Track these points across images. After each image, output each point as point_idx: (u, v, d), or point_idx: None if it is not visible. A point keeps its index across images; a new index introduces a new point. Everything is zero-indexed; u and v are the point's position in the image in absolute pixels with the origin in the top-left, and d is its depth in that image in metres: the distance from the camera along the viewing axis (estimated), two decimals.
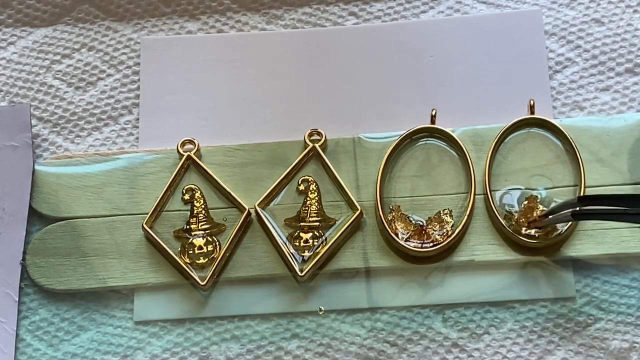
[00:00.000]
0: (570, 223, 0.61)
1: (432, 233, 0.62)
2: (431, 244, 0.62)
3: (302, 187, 0.64)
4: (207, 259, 0.63)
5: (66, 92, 0.69)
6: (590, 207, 0.57)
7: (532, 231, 0.61)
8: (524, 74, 0.67)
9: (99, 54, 0.70)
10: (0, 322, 0.62)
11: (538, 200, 0.62)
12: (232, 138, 0.66)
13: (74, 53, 0.70)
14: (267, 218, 0.64)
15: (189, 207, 0.64)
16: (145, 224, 0.63)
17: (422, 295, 0.62)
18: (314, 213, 0.63)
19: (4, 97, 0.69)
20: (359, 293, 0.62)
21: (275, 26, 0.70)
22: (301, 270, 0.62)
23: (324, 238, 0.63)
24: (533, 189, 0.63)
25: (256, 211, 0.64)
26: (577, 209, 0.58)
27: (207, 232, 0.63)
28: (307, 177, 0.64)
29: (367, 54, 0.69)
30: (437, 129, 0.65)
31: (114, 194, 0.65)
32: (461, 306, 0.62)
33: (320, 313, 0.62)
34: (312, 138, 0.65)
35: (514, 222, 0.62)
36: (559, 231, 0.61)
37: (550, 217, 0.60)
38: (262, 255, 0.63)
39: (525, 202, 0.62)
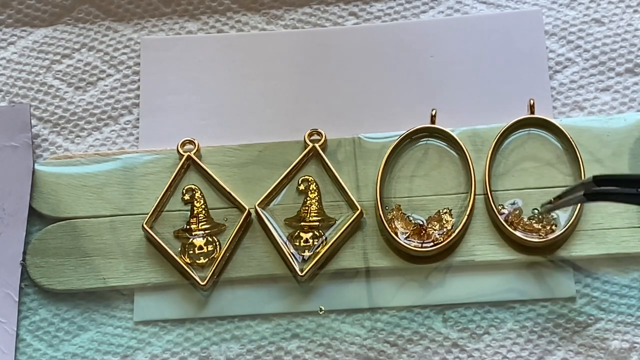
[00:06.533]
0: (570, 222, 0.61)
1: (432, 232, 0.62)
2: (431, 244, 0.62)
3: (302, 187, 0.64)
4: (207, 259, 0.63)
5: (66, 92, 0.69)
6: (604, 187, 0.56)
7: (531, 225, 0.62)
8: (524, 74, 0.67)
9: (99, 54, 0.70)
10: (0, 323, 0.62)
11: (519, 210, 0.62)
12: (232, 138, 0.66)
13: (74, 53, 0.70)
14: (267, 218, 0.64)
15: (189, 207, 0.64)
16: (146, 224, 0.63)
17: (422, 295, 0.62)
18: (314, 213, 0.63)
19: (4, 97, 0.69)
20: (359, 293, 0.62)
21: (275, 26, 0.70)
22: (301, 270, 0.62)
23: (324, 238, 0.63)
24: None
25: (256, 211, 0.64)
26: (591, 189, 0.57)
27: (207, 232, 0.63)
28: (307, 177, 0.64)
29: (367, 54, 0.69)
30: (437, 129, 0.65)
31: (114, 194, 0.65)
32: (461, 306, 0.62)
33: (321, 313, 0.62)
34: (312, 138, 0.65)
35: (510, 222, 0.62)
36: (558, 233, 0.61)
37: (563, 199, 0.59)
38: (262, 255, 0.63)
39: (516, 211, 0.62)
